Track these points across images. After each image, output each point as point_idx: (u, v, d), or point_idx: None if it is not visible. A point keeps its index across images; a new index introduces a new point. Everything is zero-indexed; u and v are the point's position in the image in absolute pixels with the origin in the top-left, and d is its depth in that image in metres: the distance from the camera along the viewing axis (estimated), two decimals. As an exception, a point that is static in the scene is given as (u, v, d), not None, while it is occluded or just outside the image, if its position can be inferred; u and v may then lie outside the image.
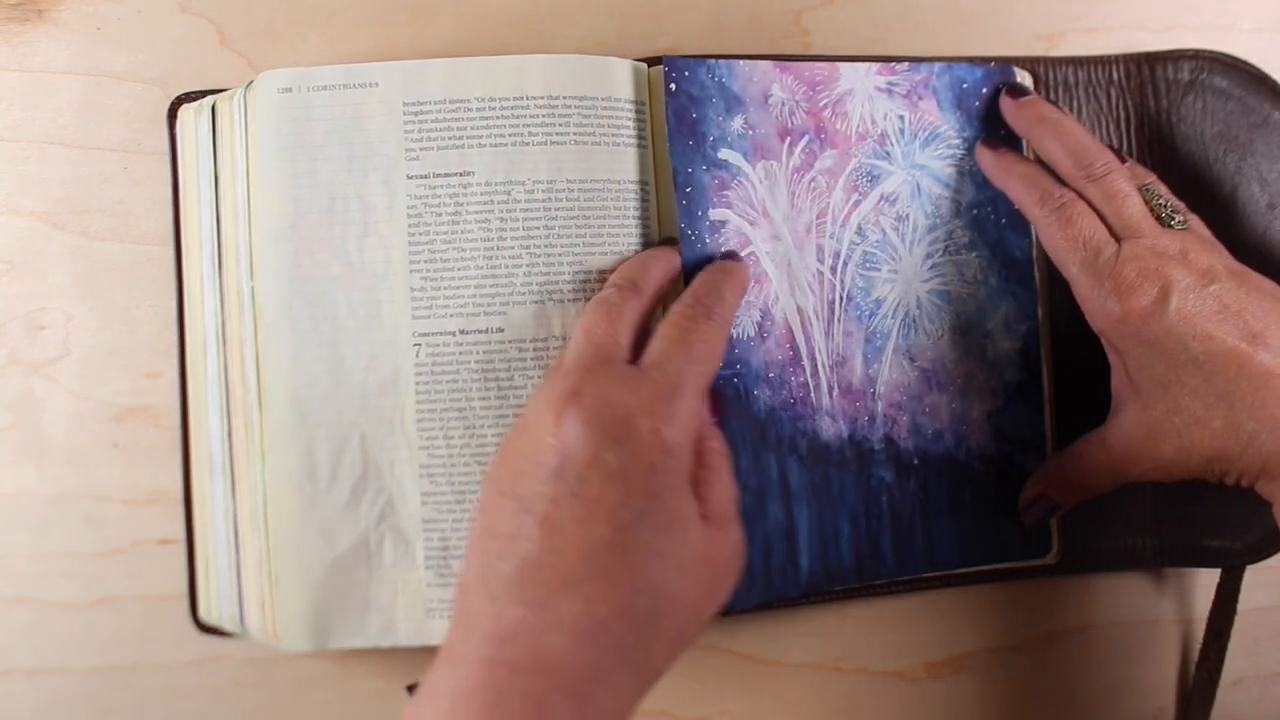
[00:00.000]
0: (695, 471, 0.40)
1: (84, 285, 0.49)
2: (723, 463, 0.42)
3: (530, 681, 0.34)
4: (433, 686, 0.36)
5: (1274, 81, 0.51)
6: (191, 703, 0.48)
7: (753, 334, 0.47)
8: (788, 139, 0.48)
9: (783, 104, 0.48)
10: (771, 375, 0.47)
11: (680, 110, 0.46)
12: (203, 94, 0.48)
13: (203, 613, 0.47)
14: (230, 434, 0.46)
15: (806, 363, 0.48)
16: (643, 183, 0.46)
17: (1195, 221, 0.47)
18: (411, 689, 0.46)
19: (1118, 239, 0.45)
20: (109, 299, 0.49)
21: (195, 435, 0.47)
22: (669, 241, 0.46)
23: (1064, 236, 0.45)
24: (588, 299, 0.45)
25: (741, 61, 0.47)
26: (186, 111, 0.48)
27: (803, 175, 0.48)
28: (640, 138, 0.46)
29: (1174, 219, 0.46)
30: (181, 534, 0.48)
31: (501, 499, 0.37)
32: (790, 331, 0.48)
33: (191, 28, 0.49)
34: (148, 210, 0.49)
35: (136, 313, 0.49)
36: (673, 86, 0.46)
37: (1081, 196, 0.46)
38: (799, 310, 0.48)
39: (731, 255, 0.46)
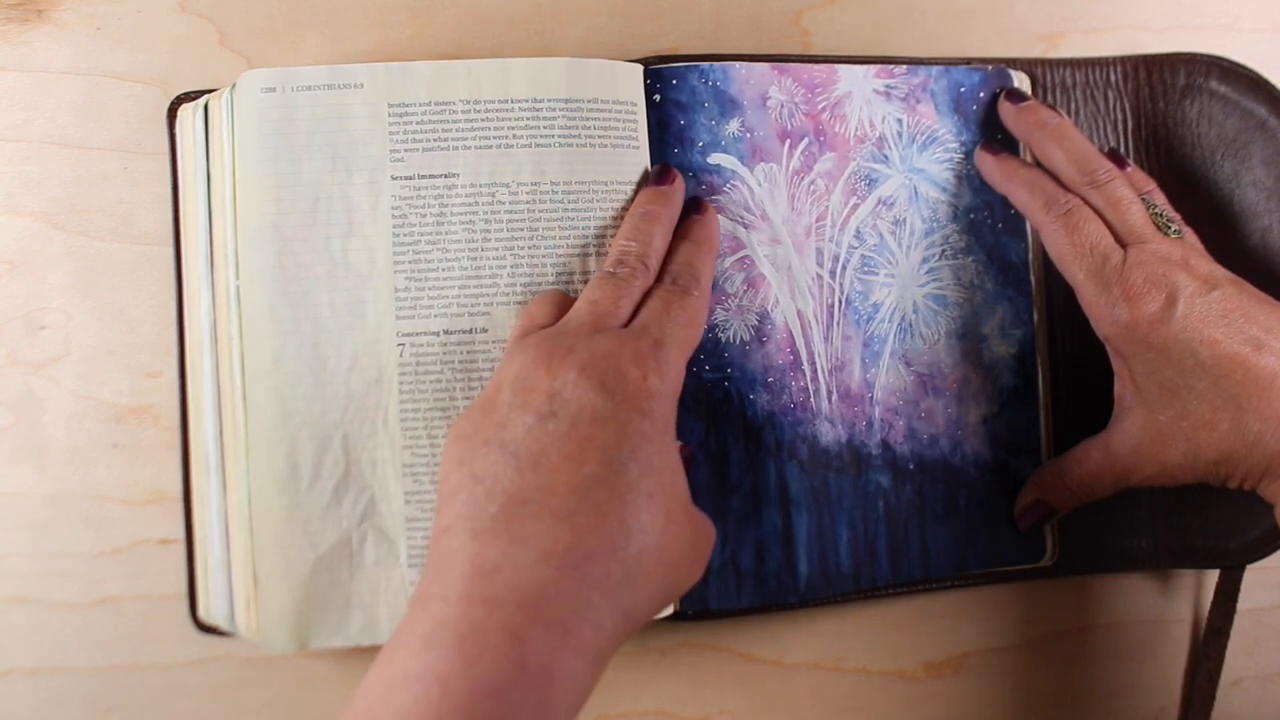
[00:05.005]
0: None
1: (84, 285, 0.49)
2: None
3: (509, 614, 0.33)
4: (403, 629, 0.35)
5: (1271, 86, 0.51)
6: (191, 703, 0.48)
7: (749, 338, 0.47)
8: (787, 141, 0.48)
9: (781, 106, 0.48)
10: (770, 380, 0.47)
11: (665, 119, 0.47)
12: (202, 94, 0.48)
13: (202, 612, 0.47)
14: (221, 433, 0.46)
15: (806, 367, 0.48)
16: (631, 184, 0.46)
17: (1189, 232, 0.47)
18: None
19: (1122, 245, 0.45)
20: (109, 299, 0.49)
21: (194, 435, 0.47)
22: (663, 172, 0.46)
23: (1070, 242, 0.45)
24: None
25: (738, 64, 0.47)
26: (185, 111, 0.48)
27: (802, 178, 0.48)
28: (628, 139, 0.46)
29: (1170, 228, 0.46)
30: (181, 534, 0.48)
31: (485, 447, 0.37)
32: (790, 335, 0.48)
33: (191, 28, 0.49)
34: (148, 210, 0.49)
35: (136, 313, 0.49)
36: (656, 97, 0.47)
37: (1085, 202, 0.46)
38: (799, 314, 0.48)
39: (695, 205, 0.46)
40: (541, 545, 0.35)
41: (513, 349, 0.41)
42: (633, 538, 0.36)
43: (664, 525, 0.37)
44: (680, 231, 0.45)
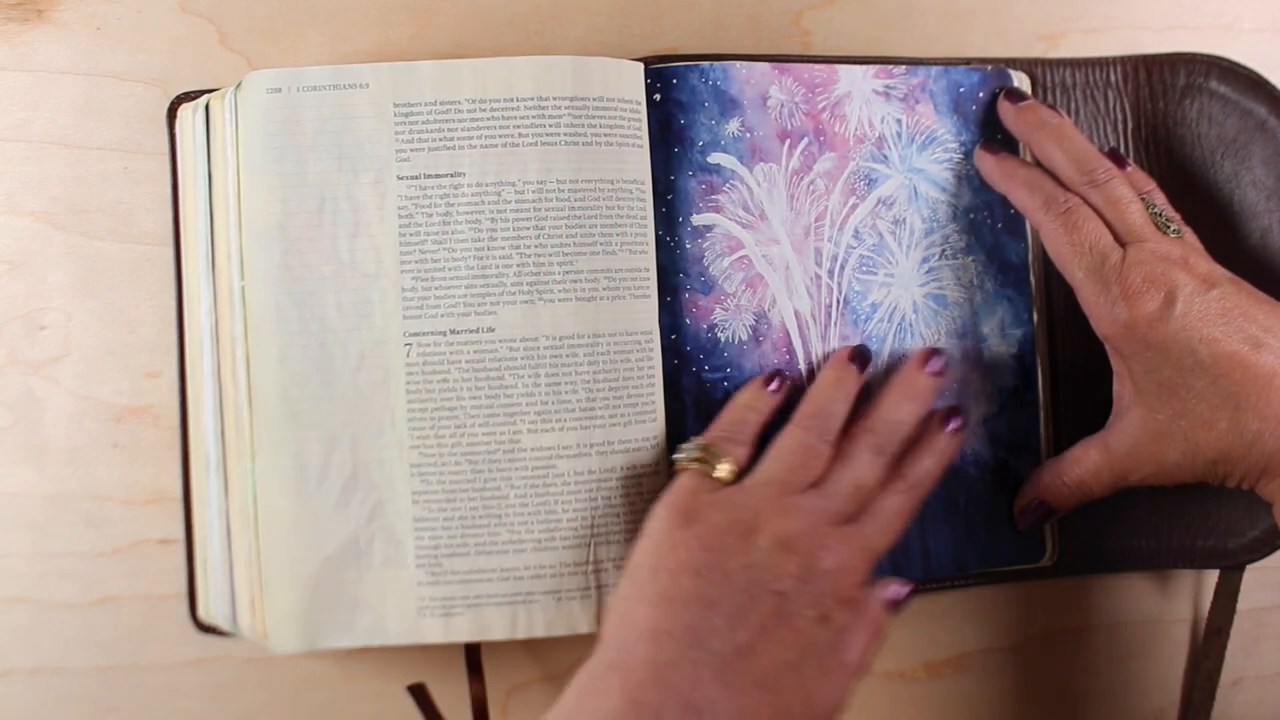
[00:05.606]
0: None
1: (84, 285, 0.49)
2: None
3: None
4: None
5: (1271, 86, 0.51)
6: (191, 703, 0.48)
7: (746, 338, 0.47)
8: (787, 141, 0.48)
9: (781, 106, 0.48)
10: (767, 379, 0.47)
11: (665, 118, 0.47)
12: (202, 94, 0.48)
13: (202, 612, 0.47)
14: (223, 433, 0.46)
15: (803, 367, 0.48)
16: (636, 182, 0.46)
17: (1189, 232, 0.47)
18: (413, 689, 0.46)
19: (1121, 244, 0.45)
20: (109, 299, 0.49)
21: (194, 435, 0.47)
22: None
23: (1070, 242, 0.45)
24: (578, 299, 0.45)
25: (738, 64, 0.47)
26: (185, 111, 0.48)
27: (802, 178, 0.48)
28: (633, 137, 0.46)
29: (1169, 227, 0.46)
30: (181, 534, 0.48)
31: (725, 584, 0.40)
32: (787, 335, 0.48)
33: (191, 28, 0.49)
34: (148, 210, 0.49)
35: (136, 313, 0.49)
36: (657, 97, 0.47)
37: (1084, 201, 0.46)
38: (796, 314, 0.48)
39: (949, 416, 0.47)
40: (746, 702, 0.38)
41: (765, 514, 0.42)
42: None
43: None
44: (927, 440, 0.46)
